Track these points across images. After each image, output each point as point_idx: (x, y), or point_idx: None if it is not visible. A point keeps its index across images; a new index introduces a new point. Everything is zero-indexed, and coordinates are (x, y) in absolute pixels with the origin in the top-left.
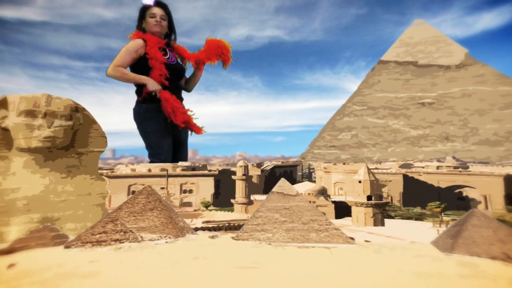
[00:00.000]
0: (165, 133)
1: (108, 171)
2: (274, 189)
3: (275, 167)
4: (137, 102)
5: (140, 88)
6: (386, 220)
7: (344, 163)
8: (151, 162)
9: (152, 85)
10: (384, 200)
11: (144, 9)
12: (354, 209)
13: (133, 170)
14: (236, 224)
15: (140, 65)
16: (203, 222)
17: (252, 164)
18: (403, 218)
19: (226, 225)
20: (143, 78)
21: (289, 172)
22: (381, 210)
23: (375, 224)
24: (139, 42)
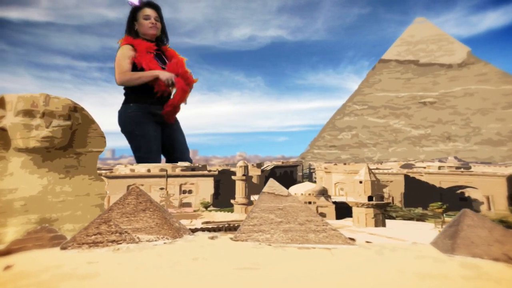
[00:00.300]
0: (154, 135)
1: (107, 171)
2: (265, 189)
3: (276, 167)
4: (124, 103)
5: (132, 91)
6: (387, 221)
7: (344, 163)
8: (138, 163)
9: (165, 74)
10: (385, 201)
11: (135, 11)
12: (355, 210)
13: (132, 170)
14: (236, 224)
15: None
16: (202, 223)
17: (252, 165)
18: (404, 219)
19: (226, 225)
20: (153, 72)
21: (290, 172)
22: (382, 211)
23: (376, 225)
24: (129, 48)
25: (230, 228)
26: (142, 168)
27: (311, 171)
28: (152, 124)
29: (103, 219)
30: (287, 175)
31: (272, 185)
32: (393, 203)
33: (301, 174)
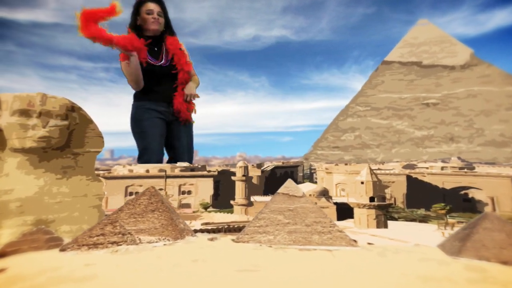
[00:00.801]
0: (154, 133)
1: (105, 172)
2: (280, 190)
3: (276, 167)
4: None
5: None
6: (390, 222)
7: (346, 164)
8: (139, 162)
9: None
10: (387, 202)
11: (139, 5)
12: (356, 211)
13: (131, 171)
14: (235, 226)
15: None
16: (202, 224)
17: (252, 165)
18: (406, 220)
19: (226, 227)
20: (131, 57)
21: (290, 173)
22: (384, 212)
23: (378, 226)
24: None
25: (230, 229)
26: (140, 169)
27: (312, 171)
28: (152, 120)
29: (110, 219)
30: (287, 175)
31: (288, 185)
32: (395, 204)
33: (301, 174)
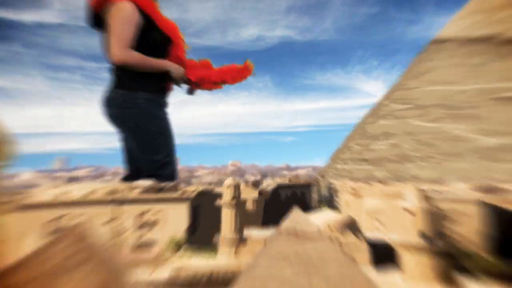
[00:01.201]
0: (173, 136)
1: (18, 197)
2: (283, 224)
3: (280, 186)
4: (126, 90)
5: (141, 75)
6: (462, 277)
7: (380, 182)
8: (152, 176)
9: (176, 70)
10: (450, 242)
11: None
12: (403, 255)
13: (64, 194)
14: (221, 275)
15: (141, 39)
16: (170, 273)
17: (246, 183)
18: (490, 275)
19: (206, 278)
20: (163, 64)
21: (300, 194)
22: (451, 259)
23: (443, 283)
24: (131, 7)
25: (212, 282)
26: (80, 190)
27: (332, 193)
28: (168, 121)
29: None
30: (296, 197)
31: (295, 217)
32: (466, 247)
33: (317, 197)
